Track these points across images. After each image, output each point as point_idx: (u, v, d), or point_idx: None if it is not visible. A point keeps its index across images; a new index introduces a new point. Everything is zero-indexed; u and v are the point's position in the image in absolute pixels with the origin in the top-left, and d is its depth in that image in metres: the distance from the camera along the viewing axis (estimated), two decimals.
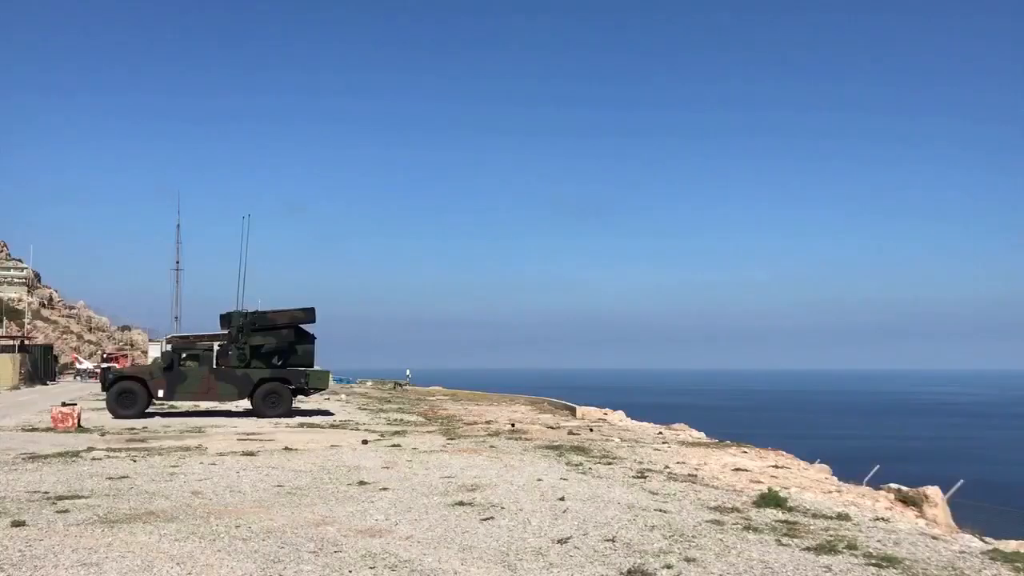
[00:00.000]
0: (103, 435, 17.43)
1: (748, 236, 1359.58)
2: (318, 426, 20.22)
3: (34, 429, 18.72)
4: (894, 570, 6.78)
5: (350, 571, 6.52)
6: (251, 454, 14.00)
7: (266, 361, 23.65)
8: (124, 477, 11.22)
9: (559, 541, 7.55)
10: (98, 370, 40.60)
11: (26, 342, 53.25)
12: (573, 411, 26.47)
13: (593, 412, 26.12)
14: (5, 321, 63.13)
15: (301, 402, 26.01)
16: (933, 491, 12.11)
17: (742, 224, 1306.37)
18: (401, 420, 22.58)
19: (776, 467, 13.84)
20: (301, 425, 20.39)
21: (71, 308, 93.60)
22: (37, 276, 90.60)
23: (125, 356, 62.82)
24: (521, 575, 6.50)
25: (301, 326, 24.29)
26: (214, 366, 23.55)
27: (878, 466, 15.87)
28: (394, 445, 15.57)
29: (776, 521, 8.67)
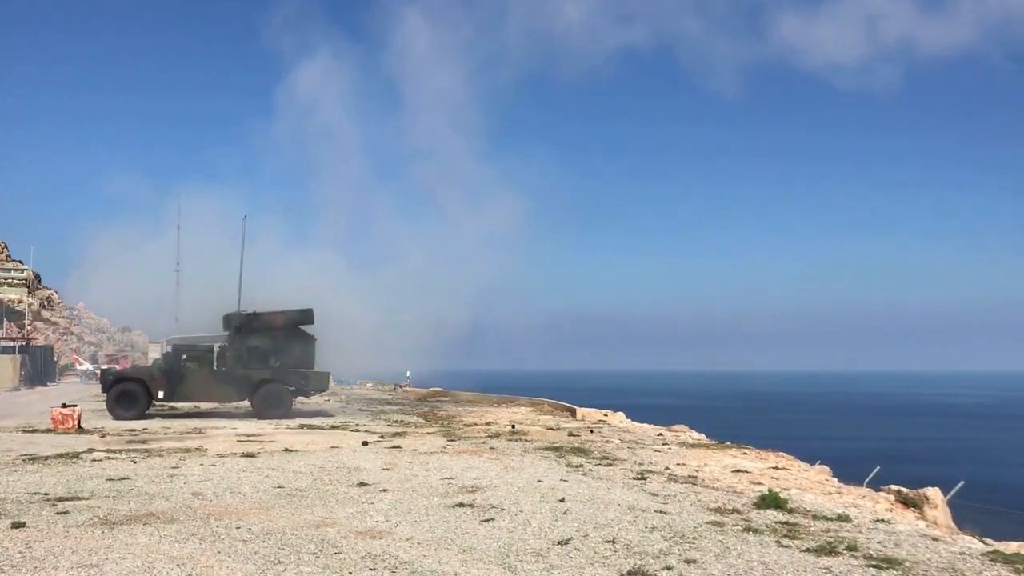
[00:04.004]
0: (103, 436, 17.43)
1: (749, 236, 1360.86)
2: (318, 427, 20.21)
3: (34, 430, 18.71)
4: (894, 571, 6.78)
5: (350, 572, 6.53)
6: (251, 455, 14.01)
7: (264, 362, 23.67)
8: (124, 478, 11.22)
9: (559, 542, 7.56)
10: (99, 371, 40.64)
11: (28, 343, 53.23)
12: (573, 412, 26.44)
13: (593, 413, 26.09)
14: (5, 323, 63.10)
15: (301, 403, 26.00)
16: (933, 492, 12.11)
17: (743, 224, 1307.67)
18: (401, 421, 22.58)
19: (776, 468, 13.84)
20: (301, 426, 20.38)
21: (71, 309, 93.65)
22: (37, 277, 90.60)
23: (126, 358, 62.82)
24: None
25: (300, 327, 24.30)
26: (214, 367, 23.58)
27: (878, 467, 15.85)
28: (394, 446, 15.56)
29: (776, 523, 8.67)
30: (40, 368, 50.95)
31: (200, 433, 18.34)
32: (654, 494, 10.39)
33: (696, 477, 12.16)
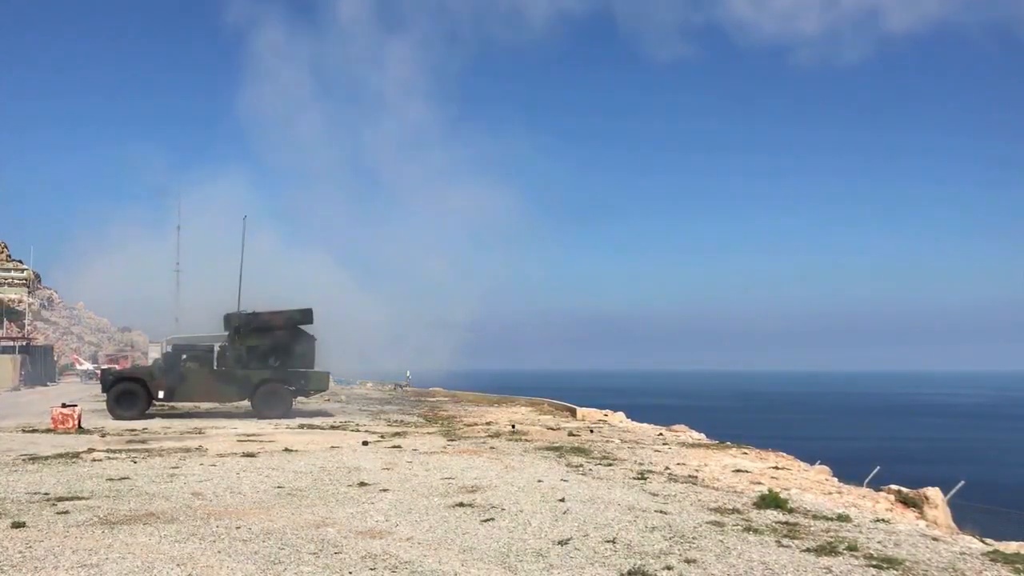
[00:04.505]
0: (103, 436, 17.43)
1: (749, 237, 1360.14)
2: (318, 427, 20.22)
3: (34, 430, 18.72)
4: (894, 571, 6.78)
5: (350, 572, 6.53)
6: (251, 455, 14.01)
7: (263, 362, 23.67)
8: (124, 478, 11.22)
9: (559, 542, 7.56)
10: (99, 371, 40.67)
11: (29, 343, 53.21)
12: (573, 412, 26.44)
13: (593, 413, 26.09)
14: (5, 323, 63.08)
15: (301, 403, 26.01)
16: (933, 492, 12.11)
17: (743, 224, 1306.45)
18: (401, 421, 22.58)
19: (776, 468, 13.84)
20: (301, 426, 20.38)
21: (71, 309, 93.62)
22: (37, 277, 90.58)
23: (125, 358, 62.80)
24: None
25: (300, 327, 24.31)
26: (214, 367, 23.58)
27: (878, 467, 15.85)
28: (394, 446, 15.57)
29: (776, 522, 8.67)
30: (40, 368, 50.92)
31: (200, 433, 18.34)
32: (654, 494, 10.39)
33: (696, 477, 12.16)
